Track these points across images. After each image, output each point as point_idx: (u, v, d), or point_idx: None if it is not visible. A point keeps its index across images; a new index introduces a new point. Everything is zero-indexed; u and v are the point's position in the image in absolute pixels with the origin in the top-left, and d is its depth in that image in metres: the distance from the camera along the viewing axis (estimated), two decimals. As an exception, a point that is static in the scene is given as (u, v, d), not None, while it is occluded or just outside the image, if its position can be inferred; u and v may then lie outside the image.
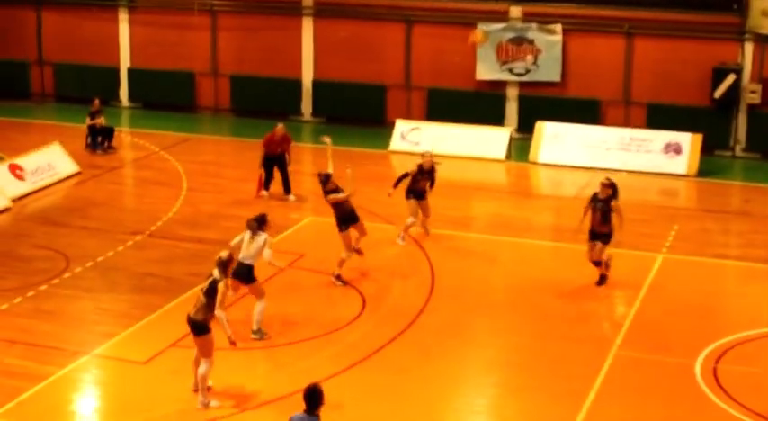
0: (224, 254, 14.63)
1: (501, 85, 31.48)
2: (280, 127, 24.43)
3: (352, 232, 18.99)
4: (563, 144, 28.95)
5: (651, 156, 28.39)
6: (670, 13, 29.84)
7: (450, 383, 15.32)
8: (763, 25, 29.19)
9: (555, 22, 30.61)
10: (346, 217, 18.88)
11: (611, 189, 18.98)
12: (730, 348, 16.47)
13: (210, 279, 14.29)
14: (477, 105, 31.26)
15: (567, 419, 14.00)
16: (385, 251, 20.94)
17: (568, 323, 17.40)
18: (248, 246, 16.36)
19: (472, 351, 16.48)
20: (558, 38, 30.68)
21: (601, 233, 18.81)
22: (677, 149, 28.30)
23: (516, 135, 30.40)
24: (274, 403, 14.19)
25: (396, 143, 30.03)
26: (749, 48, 29.56)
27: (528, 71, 31.16)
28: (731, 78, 29.36)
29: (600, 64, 30.57)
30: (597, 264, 18.99)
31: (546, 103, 30.69)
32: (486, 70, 31.43)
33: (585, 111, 30.29)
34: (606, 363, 15.83)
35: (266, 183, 24.42)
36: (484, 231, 22.91)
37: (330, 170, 19.13)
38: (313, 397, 10.33)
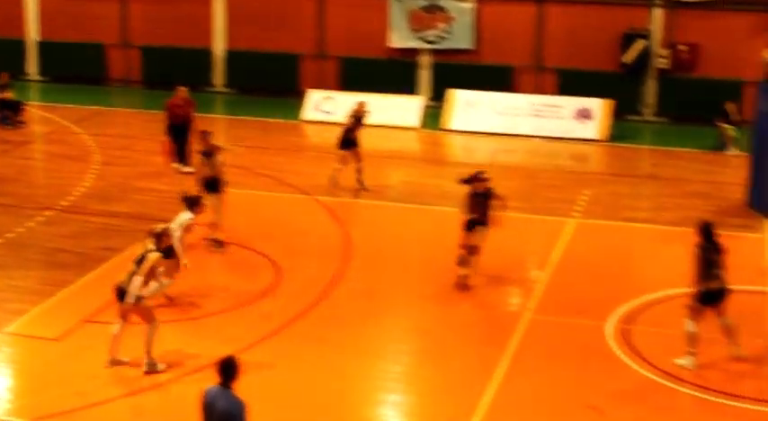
0: (158, 226, 14.60)
1: (414, 53, 31.55)
2: (182, 89, 24.21)
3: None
4: (475, 111, 29.12)
5: (562, 121, 28.68)
6: (580, -20, 30.15)
7: (367, 351, 15.37)
8: (671, -10, 29.56)
9: (468, -10, 30.78)
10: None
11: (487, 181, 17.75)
12: (640, 309, 16.74)
13: (144, 249, 14.29)
14: (390, 74, 31.31)
15: (482, 384, 14.13)
16: (299, 221, 20.92)
17: (482, 289, 17.53)
18: (174, 222, 16.32)
19: (388, 318, 16.56)
20: (471, 5, 30.80)
21: (482, 221, 17.53)
22: (588, 115, 28.62)
23: (430, 103, 30.49)
24: (192, 375, 14.13)
25: (309, 113, 29.98)
26: (658, 13, 29.93)
27: (441, 39, 31.23)
28: (641, 44, 29.71)
29: (512, 31, 30.75)
30: (472, 251, 17.54)
31: (459, 71, 30.82)
32: (399, 39, 31.47)
33: (498, 78, 30.49)
34: (520, 328, 16.00)
35: (176, 154, 24.18)
36: (398, 199, 22.97)
37: None
38: (228, 369, 10.25)
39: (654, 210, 22.30)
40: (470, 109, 29.18)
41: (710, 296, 14.58)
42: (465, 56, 31.16)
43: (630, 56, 29.83)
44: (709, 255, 14.54)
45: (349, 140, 22.65)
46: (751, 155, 22.65)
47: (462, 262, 17.46)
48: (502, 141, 27.91)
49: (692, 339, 14.66)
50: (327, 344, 15.41)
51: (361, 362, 15.01)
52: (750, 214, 21.76)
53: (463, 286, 17.36)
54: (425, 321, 16.47)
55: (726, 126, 27.06)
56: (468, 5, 30.79)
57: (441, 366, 14.88)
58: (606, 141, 28.16)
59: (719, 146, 27.09)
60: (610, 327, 16.00)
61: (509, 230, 18.64)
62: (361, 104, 23.25)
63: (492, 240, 17.72)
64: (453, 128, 28.95)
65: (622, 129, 28.93)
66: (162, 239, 14.46)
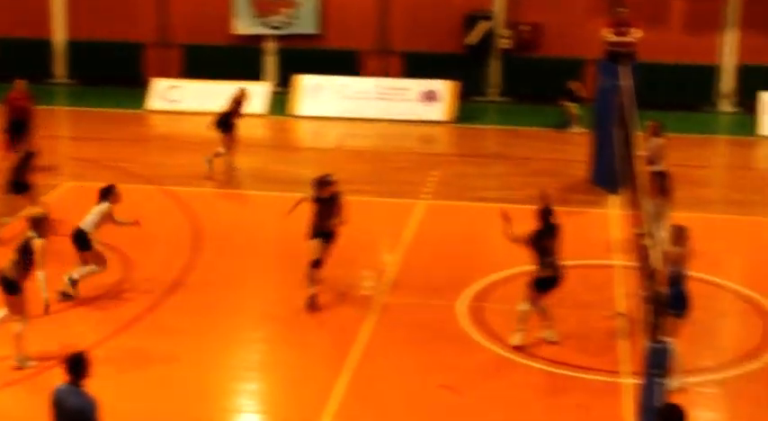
0: (36, 211, 14.30)
1: (259, 39, 31.36)
2: (20, 82, 23.61)
3: None
4: (322, 96, 29.12)
5: (409, 104, 28.87)
6: (424, -38, 30.35)
7: (223, 341, 15.25)
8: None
9: (310, -24, 30.70)
10: None
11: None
12: (491, 288, 16.98)
13: (24, 237, 13.92)
14: (235, 61, 31.09)
15: (337, 369, 14.15)
16: (148, 212, 20.60)
17: (335, 273, 17.50)
18: (90, 213, 16.25)
19: (241, 307, 16.43)
20: (315, -10, 30.78)
21: (326, 231, 16.21)
22: (434, 97, 28.87)
23: (276, 89, 30.36)
24: (40, 374, 13.82)
25: (154, 102, 29.57)
26: (501, -6, 30.34)
27: (286, 24, 31.11)
28: (484, 25, 30.06)
29: (357, 15, 30.81)
30: (316, 265, 16.13)
31: (305, 56, 30.76)
32: (244, 25, 31.25)
33: (344, 63, 30.51)
34: (373, 311, 16.06)
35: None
36: (248, 187, 22.85)
37: None
38: (77, 366, 9.97)
39: (502, 190, 22.60)
40: (317, 94, 29.17)
41: (544, 283, 14.84)
42: (310, 41, 31.11)
43: (474, 37, 30.18)
44: (544, 242, 14.78)
45: (226, 124, 22.76)
46: (592, 131, 23.14)
47: (310, 279, 16.05)
48: (350, 125, 27.97)
49: (523, 318, 14.87)
50: (181, 335, 15.23)
51: (217, 351, 14.89)
52: (593, 190, 22.24)
53: (313, 306, 16.02)
54: (279, 308, 16.40)
55: (569, 104, 27.59)
56: (312, -10, 30.77)
57: (296, 353, 14.86)
58: (453, 122, 28.46)
59: (564, 124, 27.61)
60: (462, 307, 16.19)
61: (360, 214, 18.67)
62: (243, 90, 23.31)
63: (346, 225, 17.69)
64: (301, 113, 28.90)
65: (468, 110, 29.26)
66: (41, 225, 14.07)
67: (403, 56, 30.71)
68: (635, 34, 22.74)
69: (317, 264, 16.04)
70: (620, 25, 22.94)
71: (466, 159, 25.17)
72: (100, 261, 16.32)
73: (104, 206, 16.34)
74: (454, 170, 23.78)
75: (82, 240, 16.16)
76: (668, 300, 12.05)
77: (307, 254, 16.08)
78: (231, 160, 22.93)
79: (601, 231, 19.78)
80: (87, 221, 16.21)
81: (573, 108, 27.49)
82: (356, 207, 17.93)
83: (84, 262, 16.26)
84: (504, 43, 30.38)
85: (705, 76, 30.03)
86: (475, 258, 18.50)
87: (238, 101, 23.05)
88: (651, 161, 18.59)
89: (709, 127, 29.15)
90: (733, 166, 26.04)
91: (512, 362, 14.51)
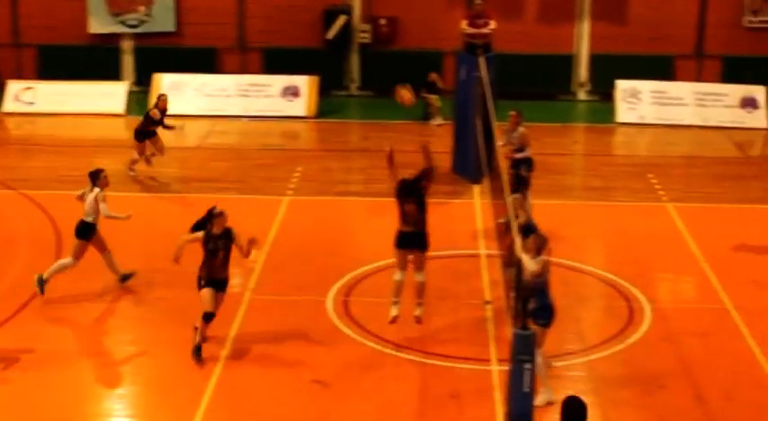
0: None
1: (115, 37, 30.88)
2: None
3: None
4: (182, 94, 28.76)
5: (270, 100, 28.77)
6: (278, -41, 30.22)
7: (92, 343, 15.01)
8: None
9: (165, -28, 30.35)
10: None
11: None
12: (359, 281, 17.03)
13: None
14: (92, 60, 30.54)
15: (208, 369, 14.03)
16: (6, 216, 20.17)
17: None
18: (85, 202, 16.29)
19: (109, 310, 16.18)
20: (168, -13, 30.43)
21: (222, 278, 14.57)
22: (295, 92, 28.81)
23: (135, 88, 29.94)
24: None
25: (8, 105, 28.89)
26: (356, -12, 30.40)
27: (142, 22, 30.70)
28: (342, 19, 30.10)
29: (214, 11, 30.54)
30: (209, 318, 14.41)
31: (163, 54, 30.39)
32: (99, 24, 30.73)
33: (203, 60, 30.25)
34: (242, 309, 15.97)
35: None
36: (111, 188, 22.40)
37: None
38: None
39: (366, 183, 22.69)
40: (177, 92, 28.75)
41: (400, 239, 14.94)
42: (168, 39, 30.74)
43: (333, 32, 30.20)
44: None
45: (148, 132, 22.49)
46: (453, 123, 23.36)
47: (200, 332, 14.38)
48: (212, 123, 27.73)
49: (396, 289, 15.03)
50: (49, 341, 14.93)
51: (85, 354, 14.64)
52: (457, 180, 22.45)
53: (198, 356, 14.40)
54: (148, 310, 16.20)
55: (430, 96, 27.79)
56: (165, -13, 30.42)
57: (166, 354, 14.67)
58: (314, 118, 28.45)
59: (426, 116, 27.81)
60: (330, 302, 16.20)
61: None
62: (163, 96, 22.97)
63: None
64: (162, 112, 28.52)
65: (330, 104, 29.28)
66: None
67: (262, 52, 30.57)
68: (491, 25, 23.01)
69: (209, 318, 14.29)
70: (476, 17, 23.19)
71: (329, 154, 25.19)
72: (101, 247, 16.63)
73: (95, 193, 16.41)
74: (318, 165, 23.77)
75: (80, 229, 16.39)
76: (535, 311, 12.19)
77: (199, 304, 14.49)
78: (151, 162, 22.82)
79: (466, 221, 19.99)
80: (84, 210, 16.34)
81: (434, 100, 27.71)
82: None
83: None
84: (362, 37, 30.47)
85: (561, 66, 30.57)
86: (342, 253, 18.51)
87: (163, 109, 22.63)
88: (519, 150, 18.85)
89: (568, 115, 29.68)
90: (592, 153, 26.56)
91: (383, 355, 14.57)
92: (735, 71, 29.70)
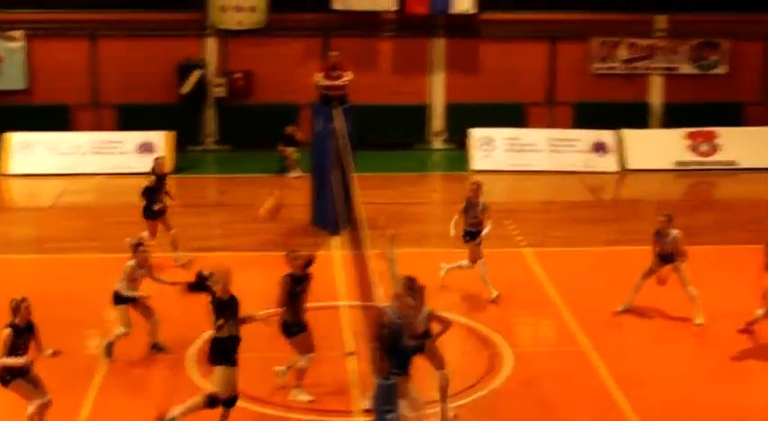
0: None
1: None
2: None
3: None
4: (34, 153, 28.28)
5: (125, 157, 28.44)
6: (132, 14, 29.98)
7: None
8: (222, 20, 30.05)
9: (16, 29, 29.79)
10: None
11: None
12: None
13: None
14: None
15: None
16: None
17: (54, 334, 16.92)
18: None
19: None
20: (21, 44, 29.89)
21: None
22: (150, 148, 28.49)
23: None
24: None
25: None
26: (211, 43, 30.34)
27: (-7, 81, 30.15)
28: (196, 74, 29.99)
29: (67, 68, 30.12)
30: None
31: (13, 113, 29.77)
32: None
33: (55, 118, 29.76)
34: (100, 370, 15.63)
35: None
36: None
37: None
38: None
39: (225, 238, 22.53)
40: (29, 151, 28.30)
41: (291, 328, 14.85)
42: (18, 96, 30.17)
43: (187, 86, 30.05)
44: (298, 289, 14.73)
45: (154, 211, 20.64)
46: (311, 175, 23.39)
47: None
48: (66, 182, 27.25)
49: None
50: None
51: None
52: (316, 232, 22.44)
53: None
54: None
55: (287, 149, 27.80)
56: (17, 44, 29.86)
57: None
58: (171, 173, 28.10)
59: (283, 169, 27.80)
60: (192, 360, 15.97)
61: (80, 272, 18.23)
62: (160, 159, 21.56)
63: (66, 284, 17.19)
64: (12, 172, 27.96)
65: (186, 160, 29.07)
66: None
67: (116, 108, 30.22)
68: (346, 77, 23.15)
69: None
70: (331, 69, 23.31)
71: (187, 209, 24.89)
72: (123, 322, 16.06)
73: (131, 263, 16.11)
74: (176, 221, 23.37)
75: (115, 298, 16.03)
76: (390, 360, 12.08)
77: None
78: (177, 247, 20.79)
79: (325, 273, 19.91)
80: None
81: (290, 152, 27.72)
82: (76, 265, 17.48)
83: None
84: (217, 91, 30.38)
85: (417, 116, 30.91)
86: (202, 307, 18.22)
87: (159, 172, 21.01)
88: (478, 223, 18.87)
89: (425, 164, 29.99)
90: (449, 201, 26.76)
91: (247, 411, 14.39)
92: (585, 117, 30.44)
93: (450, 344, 16.92)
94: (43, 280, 19.68)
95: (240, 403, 14.54)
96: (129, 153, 28.52)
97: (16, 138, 28.48)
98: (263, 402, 14.61)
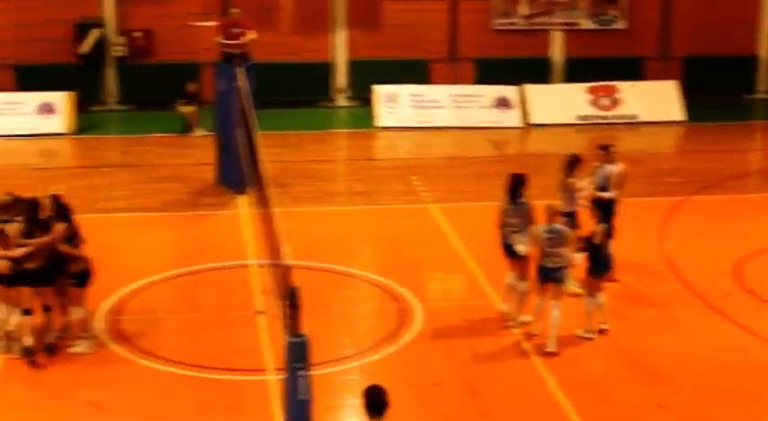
0: None
1: None
2: None
3: None
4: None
5: (25, 118, 27.93)
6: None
7: None
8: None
9: None
10: None
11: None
12: (127, 299, 16.72)
13: None
14: None
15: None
16: None
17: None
18: None
19: None
20: None
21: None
22: (51, 109, 28.04)
23: None
24: None
25: None
26: (109, 1, 29.86)
27: None
28: (96, 33, 29.54)
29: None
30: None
31: None
32: None
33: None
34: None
35: None
36: None
37: None
38: None
39: (130, 199, 22.31)
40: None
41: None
42: None
43: (86, 46, 29.58)
44: None
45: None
46: (215, 134, 23.23)
47: None
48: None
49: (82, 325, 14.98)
50: None
51: None
52: (222, 192, 22.34)
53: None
54: None
55: (189, 108, 27.56)
56: None
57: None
58: (73, 134, 27.78)
59: (186, 128, 27.56)
60: (101, 320, 15.84)
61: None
62: None
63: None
64: None
65: (88, 120, 28.67)
66: None
67: (14, 69, 29.63)
68: (249, 35, 22.97)
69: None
70: (232, 27, 23.11)
71: (90, 171, 24.62)
72: None
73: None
74: (79, 183, 23.17)
75: None
76: None
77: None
78: None
79: (232, 232, 19.90)
80: None
81: (193, 111, 27.46)
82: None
83: None
84: (117, 51, 29.95)
85: (320, 73, 30.82)
86: (108, 270, 18.07)
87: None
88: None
89: (329, 121, 29.95)
90: (354, 158, 26.89)
91: (157, 372, 14.36)
92: (487, 73, 30.61)
93: (360, 301, 17.09)
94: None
95: (149, 363, 14.54)
96: (29, 114, 28.01)
97: None
98: (174, 362, 14.56)
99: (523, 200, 15.67)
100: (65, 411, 13.42)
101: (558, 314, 15.00)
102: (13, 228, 14.43)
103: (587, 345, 15.23)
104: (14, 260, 14.32)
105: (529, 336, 15.35)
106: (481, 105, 29.40)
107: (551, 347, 14.92)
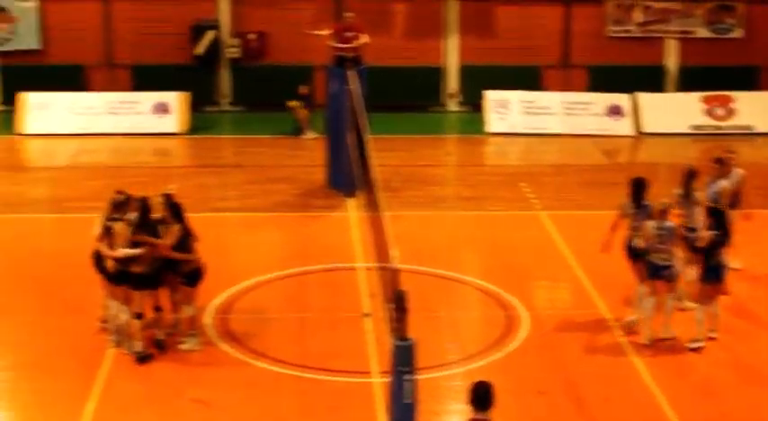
0: None
1: (-22, 56, 30.27)
2: None
3: None
4: (50, 113, 28.29)
5: (141, 117, 28.41)
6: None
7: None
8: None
9: (29, -11, 29.88)
10: None
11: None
12: (236, 297, 16.91)
13: None
14: (-46, 80, 29.90)
15: (86, 390, 13.80)
16: None
17: (75, 294, 17.04)
18: None
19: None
20: (34, 4, 29.89)
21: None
22: (166, 109, 28.50)
23: (1, 108, 29.33)
24: None
25: None
26: (224, 3, 30.25)
27: (6, 40, 30.10)
28: (210, 34, 29.94)
29: (80, 28, 30.08)
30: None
31: (28, 72, 29.81)
32: (-40, 42, 30.11)
33: (69, 78, 29.76)
34: (118, 330, 15.74)
35: None
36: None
37: None
38: None
39: (241, 199, 22.57)
40: (44, 111, 28.30)
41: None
42: (33, 57, 30.18)
43: (201, 47, 30.01)
44: None
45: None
46: (326, 136, 23.38)
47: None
48: (82, 142, 27.27)
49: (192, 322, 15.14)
50: None
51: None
52: (331, 194, 22.48)
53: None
54: (19, 332, 15.86)
55: (301, 109, 27.76)
56: (30, 5, 29.83)
57: (41, 379, 14.38)
58: (186, 134, 28.20)
59: (297, 130, 27.78)
60: (208, 318, 16.05)
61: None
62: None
63: (82, 244, 17.24)
64: (29, 131, 27.98)
65: (201, 120, 29.07)
66: None
67: (131, 69, 30.20)
68: (362, 39, 23.09)
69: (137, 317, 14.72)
70: (346, 30, 23.26)
71: (203, 170, 24.98)
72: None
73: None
74: (192, 182, 23.50)
75: None
76: None
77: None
78: None
79: (341, 234, 20.01)
80: None
81: (302, 113, 27.65)
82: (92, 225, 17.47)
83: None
84: (231, 52, 30.33)
85: (432, 78, 30.83)
86: (218, 269, 18.31)
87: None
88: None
89: (439, 126, 29.95)
90: (464, 164, 26.85)
91: (262, 371, 14.49)
92: (600, 80, 30.33)
93: (467, 307, 17.06)
94: (60, 239, 19.79)
95: (255, 362, 14.67)
96: (145, 113, 28.51)
97: (32, 98, 28.49)
98: (279, 362, 14.67)
99: (647, 202, 15.66)
100: (171, 407, 13.61)
101: (671, 304, 15.09)
102: (121, 226, 14.63)
103: (697, 355, 15.00)
104: (118, 260, 14.54)
105: (637, 347, 15.17)
106: (593, 113, 29.13)
107: (666, 334, 15.11)
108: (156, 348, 14.84)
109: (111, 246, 14.57)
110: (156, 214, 14.85)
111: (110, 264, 14.62)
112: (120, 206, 15.01)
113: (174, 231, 14.68)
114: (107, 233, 14.65)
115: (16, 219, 21.24)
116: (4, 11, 29.88)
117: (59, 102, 28.53)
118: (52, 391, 14.01)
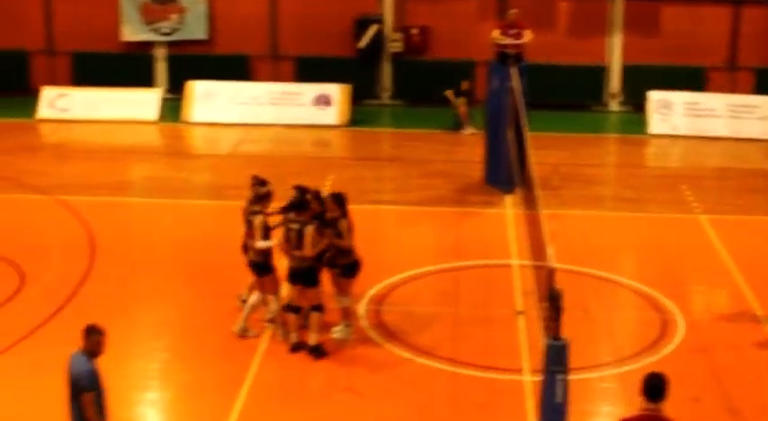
0: None
1: (148, 45, 31.06)
2: None
3: None
4: (215, 102, 28.93)
5: (302, 108, 28.82)
6: (311, -32, 30.36)
7: (121, 350, 15.02)
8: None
9: (195, -19, 30.55)
10: None
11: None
12: (390, 289, 17.02)
13: None
14: (125, 67, 30.75)
15: (239, 376, 14.05)
16: (42, 222, 20.29)
17: (234, 280, 17.37)
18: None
19: (140, 315, 16.24)
20: (202, -4, 30.62)
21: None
22: (327, 101, 28.86)
23: (168, 96, 30.08)
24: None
25: (43, 111, 29.06)
26: (388, -2, 30.49)
27: (174, 30, 30.86)
28: (374, 28, 30.17)
29: (246, 20, 30.68)
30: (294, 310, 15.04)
31: (195, 62, 30.53)
32: (132, 31, 30.94)
33: (235, 68, 30.37)
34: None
35: None
36: (141, 195, 22.61)
37: None
38: (89, 335, 11.37)
39: (397, 192, 22.71)
40: (210, 100, 28.96)
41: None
42: (200, 46, 30.89)
43: (365, 41, 30.26)
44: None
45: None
46: (485, 132, 23.33)
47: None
48: (244, 131, 27.82)
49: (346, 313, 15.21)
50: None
51: (116, 361, 14.66)
52: (489, 190, 22.43)
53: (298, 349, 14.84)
54: (178, 315, 16.26)
55: (461, 105, 27.77)
56: (200, -4, 30.60)
57: (198, 361, 14.72)
58: (346, 126, 28.50)
59: (457, 125, 27.81)
60: (362, 309, 16.19)
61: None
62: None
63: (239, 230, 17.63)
64: (194, 120, 28.68)
65: (361, 113, 29.33)
66: None
67: (294, 60, 30.66)
68: (526, 36, 22.96)
69: (292, 310, 14.90)
70: (509, 27, 23.16)
71: (361, 162, 25.22)
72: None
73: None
74: (349, 174, 23.77)
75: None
76: None
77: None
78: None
79: (497, 231, 19.97)
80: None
81: (463, 108, 27.64)
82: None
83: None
84: (394, 46, 30.52)
85: (593, 77, 30.51)
86: (372, 261, 18.45)
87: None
88: None
89: (600, 126, 29.63)
90: (624, 164, 26.50)
91: (413, 363, 14.56)
92: (768, 83, 29.63)
93: (622, 308, 16.85)
94: (221, 225, 20.17)
95: (404, 354, 14.74)
96: (306, 105, 28.91)
97: (199, 87, 29.17)
98: (431, 356, 14.72)
99: None
100: (322, 394, 13.79)
101: None
102: (259, 219, 14.83)
103: None
104: (259, 252, 14.81)
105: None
106: (759, 117, 28.42)
107: None
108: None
109: (252, 238, 14.85)
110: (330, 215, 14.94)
111: (251, 256, 14.93)
112: (261, 198, 15.17)
113: (344, 227, 14.84)
114: (249, 226, 14.94)
115: (179, 204, 21.76)
116: (174, 1, 30.64)
117: (224, 91, 29.13)
118: (205, 375, 14.31)
